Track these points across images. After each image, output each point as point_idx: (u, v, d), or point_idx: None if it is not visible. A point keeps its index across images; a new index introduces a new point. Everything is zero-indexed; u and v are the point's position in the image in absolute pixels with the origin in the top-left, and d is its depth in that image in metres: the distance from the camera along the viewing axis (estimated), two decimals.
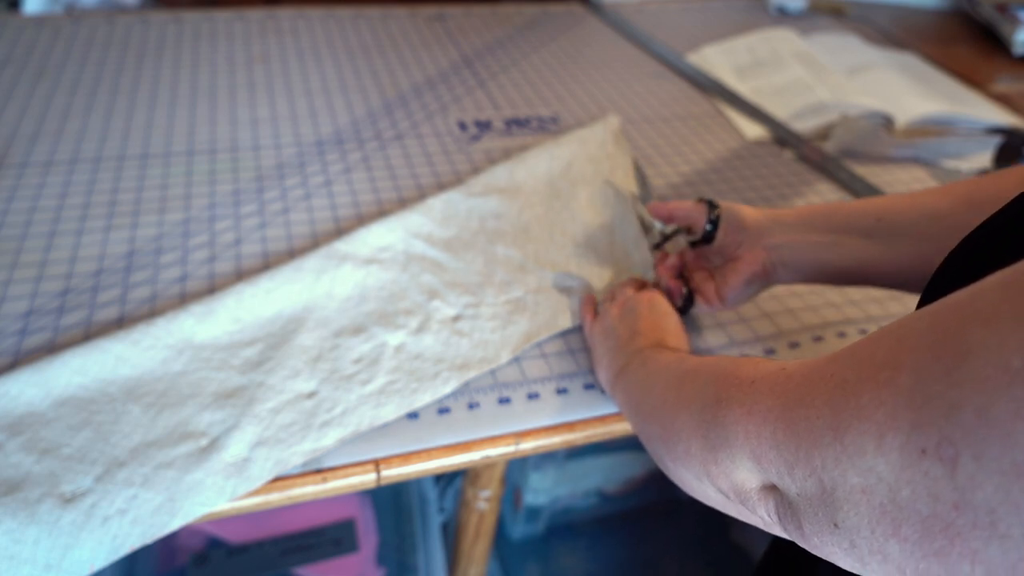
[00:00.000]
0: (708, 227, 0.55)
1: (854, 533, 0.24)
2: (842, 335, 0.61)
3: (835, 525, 0.25)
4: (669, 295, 0.57)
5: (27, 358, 0.51)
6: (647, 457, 1.14)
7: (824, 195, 0.78)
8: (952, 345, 0.22)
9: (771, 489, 0.29)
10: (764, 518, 0.31)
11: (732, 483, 0.31)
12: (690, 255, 0.60)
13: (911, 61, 1.13)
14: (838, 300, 0.64)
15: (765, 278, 0.53)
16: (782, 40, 1.10)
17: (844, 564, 0.26)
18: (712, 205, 0.56)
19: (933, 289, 0.34)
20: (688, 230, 0.58)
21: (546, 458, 1.05)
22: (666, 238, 0.61)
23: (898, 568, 0.23)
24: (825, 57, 1.07)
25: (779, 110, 0.94)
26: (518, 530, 1.14)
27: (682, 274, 0.59)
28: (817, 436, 0.25)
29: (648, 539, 1.18)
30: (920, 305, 0.35)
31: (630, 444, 1.11)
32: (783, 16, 1.27)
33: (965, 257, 0.33)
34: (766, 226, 0.53)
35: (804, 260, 0.51)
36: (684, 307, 0.57)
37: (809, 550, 0.28)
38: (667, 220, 0.60)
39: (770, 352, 0.59)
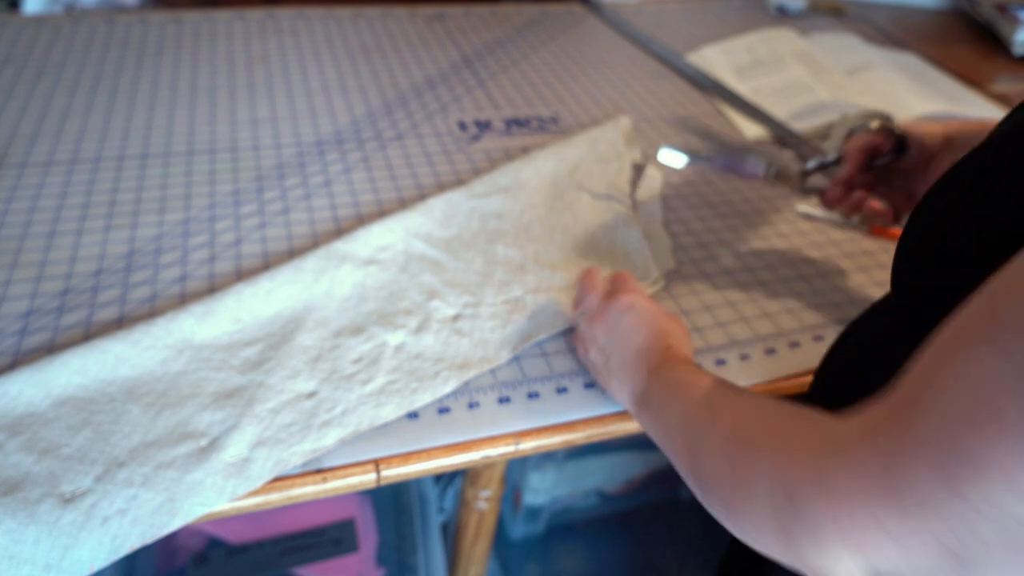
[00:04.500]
0: (896, 144, 0.58)
1: None
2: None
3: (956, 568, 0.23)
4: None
5: (27, 358, 0.51)
6: (647, 457, 1.14)
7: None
8: None
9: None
10: None
11: (818, 572, 0.29)
12: (861, 169, 0.61)
13: (911, 61, 1.13)
14: (839, 299, 0.64)
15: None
16: (782, 40, 1.10)
17: None
18: (891, 130, 0.58)
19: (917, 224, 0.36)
20: (873, 155, 0.59)
21: (546, 458, 1.05)
22: (823, 166, 0.64)
23: None
24: (825, 57, 1.07)
25: (779, 110, 0.94)
26: (518, 530, 1.14)
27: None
28: (929, 501, 0.23)
29: (648, 539, 1.18)
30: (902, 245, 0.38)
31: (630, 444, 1.11)
32: (783, 16, 1.27)
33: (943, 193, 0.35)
34: (949, 136, 0.56)
35: None
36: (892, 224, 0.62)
37: None
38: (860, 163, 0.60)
39: (771, 352, 0.59)
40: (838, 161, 0.64)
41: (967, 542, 0.23)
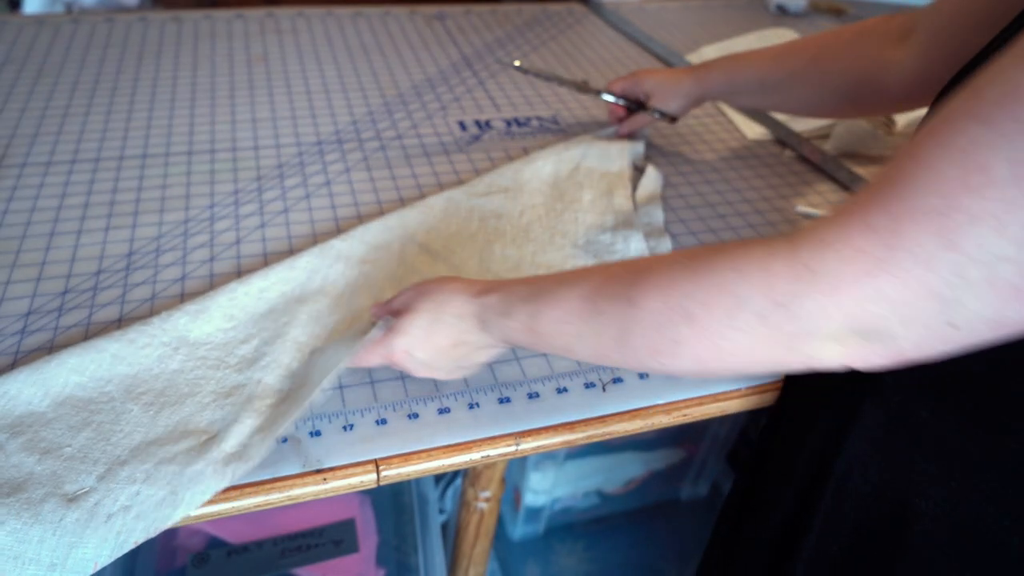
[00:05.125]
0: (657, 115, 0.77)
1: (976, 321, 0.27)
2: None
3: (953, 326, 0.28)
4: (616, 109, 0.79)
5: (27, 358, 0.51)
6: (647, 457, 1.14)
7: (824, 195, 0.78)
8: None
9: (856, 342, 0.30)
10: (830, 366, 0.32)
11: (818, 358, 0.32)
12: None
13: None
14: None
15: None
16: (782, 39, 1.10)
17: (941, 355, 0.29)
18: (643, 106, 0.78)
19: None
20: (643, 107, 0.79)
21: (546, 458, 1.05)
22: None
23: (1014, 324, 0.27)
24: None
25: None
26: (518, 530, 1.14)
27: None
28: (929, 261, 0.27)
29: (648, 539, 1.18)
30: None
31: (630, 444, 1.11)
32: (783, 15, 1.27)
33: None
34: (698, 84, 0.74)
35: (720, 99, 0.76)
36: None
37: (882, 367, 0.30)
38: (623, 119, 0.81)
39: None
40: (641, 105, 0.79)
41: (956, 285, 0.27)
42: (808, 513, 0.45)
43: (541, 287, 0.41)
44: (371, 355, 0.47)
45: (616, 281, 0.37)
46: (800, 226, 0.31)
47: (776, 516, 0.48)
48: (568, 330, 0.39)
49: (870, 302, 0.29)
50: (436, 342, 0.45)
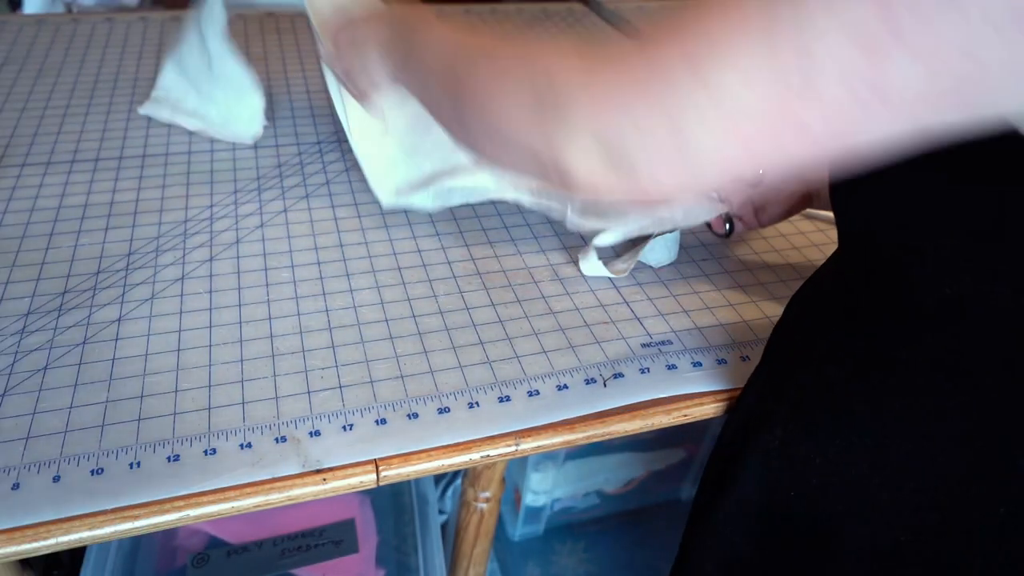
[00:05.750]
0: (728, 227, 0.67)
1: (702, 156, 0.29)
2: None
3: (678, 151, 0.30)
4: (712, 224, 0.68)
5: (27, 358, 0.51)
6: (647, 457, 1.14)
7: (824, 195, 0.78)
8: None
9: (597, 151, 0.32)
10: (577, 179, 0.34)
11: (558, 153, 0.34)
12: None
13: None
14: None
15: (804, 205, 0.65)
16: None
17: (673, 186, 0.32)
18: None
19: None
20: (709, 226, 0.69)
21: (546, 458, 1.05)
22: None
23: (726, 165, 0.30)
24: None
25: None
26: (518, 530, 1.14)
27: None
28: (675, 84, 0.29)
29: (648, 539, 1.18)
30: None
31: (630, 444, 1.11)
32: None
33: None
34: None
35: None
36: (728, 234, 0.67)
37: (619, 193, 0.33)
38: None
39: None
40: None
41: (690, 117, 0.29)
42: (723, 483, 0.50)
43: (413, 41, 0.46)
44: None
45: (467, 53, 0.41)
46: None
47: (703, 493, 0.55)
48: (424, 89, 0.45)
49: (616, 111, 0.31)
50: None
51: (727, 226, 0.67)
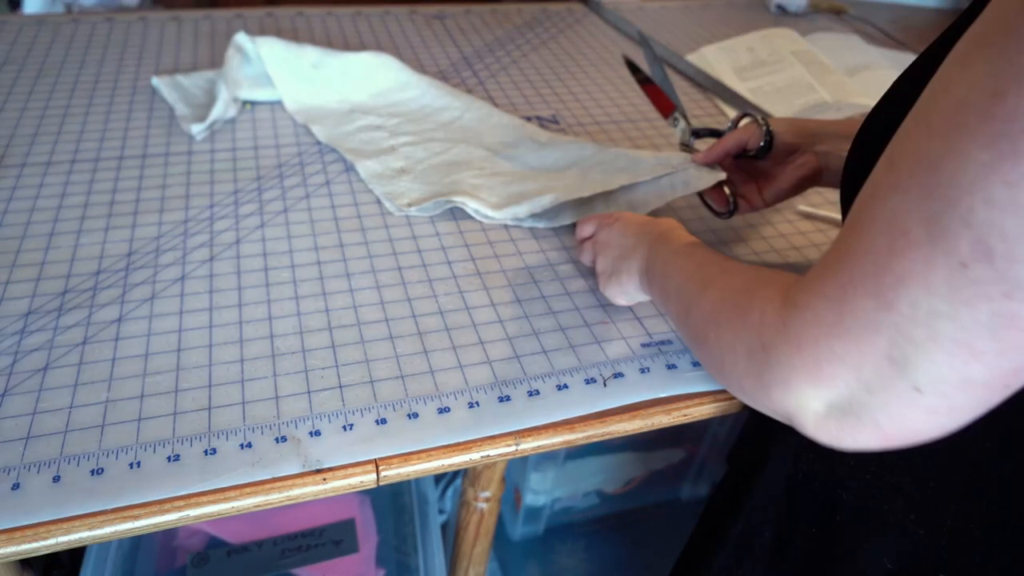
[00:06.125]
0: (763, 143, 0.60)
1: (939, 383, 0.28)
2: None
3: (917, 390, 0.29)
4: (713, 201, 0.65)
5: (27, 358, 0.51)
6: (647, 457, 1.14)
7: (824, 194, 0.78)
8: (933, 174, 0.27)
9: (828, 407, 0.32)
10: (807, 429, 0.34)
11: (785, 409, 0.34)
12: (726, 160, 0.64)
13: (911, 61, 1.13)
14: None
15: (812, 182, 0.61)
16: (783, 39, 1.10)
17: (927, 428, 0.30)
18: (763, 122, 0.61)
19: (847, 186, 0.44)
20: (744, 148, 0.62)
21: (546, 458, 1.05)
22: (695, 134, 0.68)
23: (985, 385, 0.28)
24: (826, 56, 1.07)
25: (780, 110, 0.94)
26: (518, 530, 1.14)
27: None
28: (872, 322, 0.29)
29: (648, 539, 1.18)
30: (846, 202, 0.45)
31: (630, 444, 1.11)
32: (784, 15, 1.27)
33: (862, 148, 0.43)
34: (816, 133, 0.60)
35: None
36: (731, 212, 0.63)
37: (863, 449, 0.32)
38: (721, 156, 0.64)
39: None
40: (715, 132, 0.68)
41: (902, 346, 0.28)
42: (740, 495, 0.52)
43: (689, 288, 0.46)
44: (588, 223, 0.60)
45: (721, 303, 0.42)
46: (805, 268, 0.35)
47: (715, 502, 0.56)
48: (690, 333, 0.45)
49: (828, 363, 0.31)
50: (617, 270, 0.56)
51: (730, 203, 0.63)
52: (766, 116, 0.61)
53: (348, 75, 0.85)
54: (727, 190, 0.63)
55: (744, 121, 0.63)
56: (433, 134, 0.79)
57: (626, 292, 0.55)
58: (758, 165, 0.64)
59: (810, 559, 0.48)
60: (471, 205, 0.68)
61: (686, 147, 0.70)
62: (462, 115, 0.83)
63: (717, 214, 0.67)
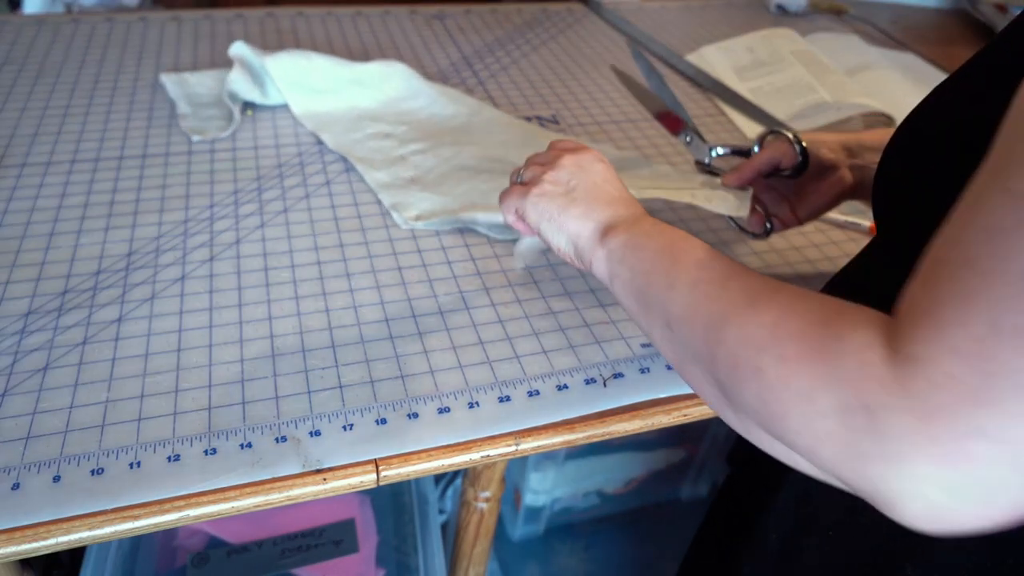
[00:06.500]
0: (800, 160, 0.58)
1: None
2: None
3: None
4: (747, 223, 0.62)
5: (27, 358, 0.51)
6: (647, 457, 1.14)
7: None
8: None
9: None
10: (903, 513, 0.27)
11: (880, 490, 0.27)
12: (757, 180, 0.61)
13: (911, 61, 1.13)
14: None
15: (847, 197, 0.58)
16: (782, 39, 1.10)
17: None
18: (795, 139, 0.58)
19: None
20: (777, 168, 0.59)
21: (546, 458, 1.05)
22: (713, 150, 0.65)
23: None
24: (825, 56, 1.07)
25: (780, 110, 0.94)
26: (518, 530, 1.14)
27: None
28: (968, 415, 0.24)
29: (648, 539, 1.18)
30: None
31: (630, 444, 1.11)
32: (783, 15, 1.27)
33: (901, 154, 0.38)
34: (851, 148, 0.58)
35: None
36: (768, 232, 0.61)
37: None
38: (753, 177, 0.60)
39: None
40: (745, 152, 0.64)
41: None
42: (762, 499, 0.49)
43: (658, 265, 0.39)
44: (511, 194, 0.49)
45: (718, 302, 0.35)
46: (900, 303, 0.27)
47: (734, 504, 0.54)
48: (659, 329, 0.38)
49: (968, 439, 0.24)
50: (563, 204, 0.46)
51: (767, 225, 0.60)
52: (796, 133, 0.58)
53: (357, 83, 0.85)
54: (759, 210, 0.60)
55: (769, 138, 0.61)
56: (443, 140, 0.79)
57: (558, 233, 0.46)
58: (789, 183, 0.61)
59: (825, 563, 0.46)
60: (481, 220, 0.66)
61: (703, 166, 0.66)
62: (470, 121, 0.84)
63: (752, 236, 0.63)
